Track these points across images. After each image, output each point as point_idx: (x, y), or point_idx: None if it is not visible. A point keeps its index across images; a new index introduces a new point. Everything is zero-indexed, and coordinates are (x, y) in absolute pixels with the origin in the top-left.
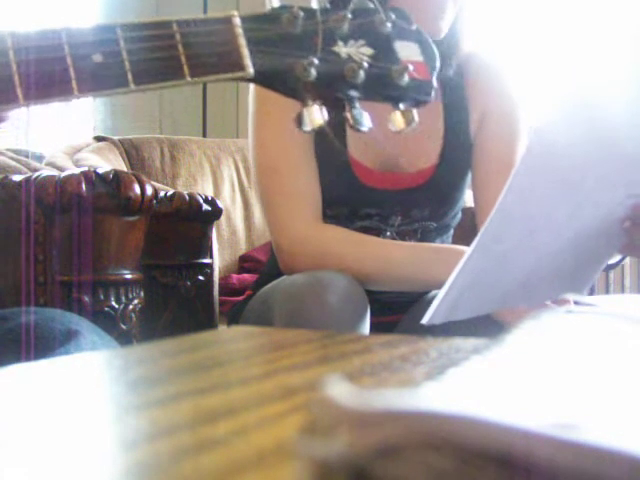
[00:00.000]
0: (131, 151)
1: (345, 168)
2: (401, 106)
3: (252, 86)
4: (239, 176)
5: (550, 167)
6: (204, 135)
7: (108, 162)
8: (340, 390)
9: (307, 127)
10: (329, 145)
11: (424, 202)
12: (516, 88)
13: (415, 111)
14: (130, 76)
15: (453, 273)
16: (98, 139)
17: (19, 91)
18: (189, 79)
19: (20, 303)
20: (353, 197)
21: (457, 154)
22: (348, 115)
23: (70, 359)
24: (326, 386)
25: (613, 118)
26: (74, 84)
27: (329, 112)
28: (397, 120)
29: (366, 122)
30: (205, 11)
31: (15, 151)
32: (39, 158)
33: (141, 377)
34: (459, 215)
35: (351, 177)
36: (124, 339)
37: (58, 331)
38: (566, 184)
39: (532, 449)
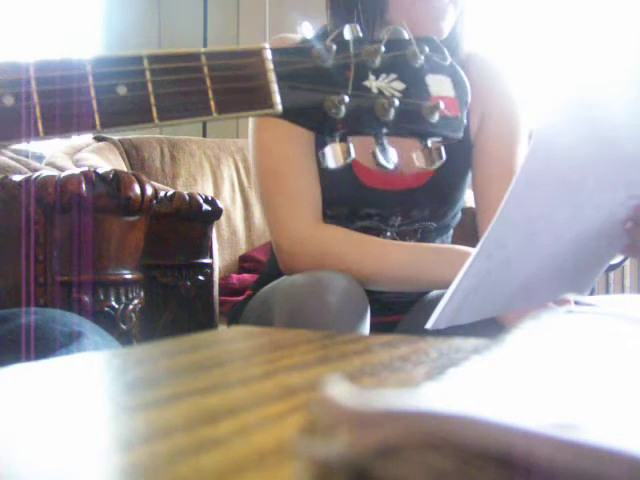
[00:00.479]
0: (131, 151)
1: (346, 168)
2: (429, 143)
3: None
4: (239, 176)
5: (551, 169)
6: (204, 135)
7: (108, 162)
8: (340, 390)
9: (331, 164)
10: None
11: (424, 202)
12: (516, 89)
13: (443, 148)
14: (155, 111)
15: (457, 277)
16: (98, 139)
17: (40, 124)
18: (215, 115)
19: (20, 303)
20: (353, 197)
21: (457, 155)
22: (373, 151)
23: (70, 359)
24: (326, 386)
25: (613, 118)
26: (97, 118)
27: (356, 149)
28: (424, 157)
29: (392, 158)
30: (205, 10)
31: (15, 151)
32: (39, 158)
33: (141, 377)
34: (459, 215)
35: (352, 177)
36: (124, 339)
37: (60, 332)
38: (567, 186)
39: (532, 449)
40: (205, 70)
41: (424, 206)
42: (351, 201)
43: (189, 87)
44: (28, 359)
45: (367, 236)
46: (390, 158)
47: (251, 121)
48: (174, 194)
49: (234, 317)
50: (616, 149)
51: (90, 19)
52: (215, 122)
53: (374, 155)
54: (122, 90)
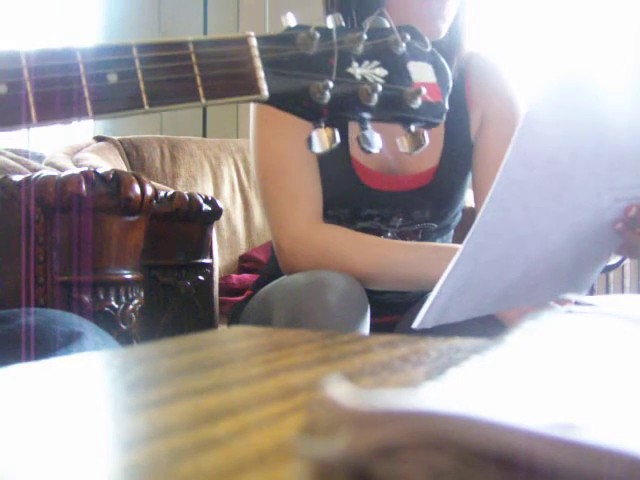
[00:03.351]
0: (131, 151)
1: (347, 169)
2: (412, 128)
3: None
4: (239, 176)
5: (531, 174)
6: (204, 135)
7: (108, 162)
8: (340, 390)
9: (318, 149)
10: None
11: (425, 203)
12: (516, 89)
13: (426, 133)
14: (145, 97)
15: (441, 279)
16: (98, 139)
17: (33, 111)
18: (204, 101)
19: (20, 303)
20: (355, 198)
21: (458, 155)
22: (359, 136)
23: (70, 359)
24: (326, 386)
25: (605, 108)
26: (88, 105)
27: (341, 133)
28: (407, 142)
29: (377, 143)
30: (205, 10)
31: (15, 151)
32: (39, 158)
33: (141, 377)
34: (459, 215)
35: (353, 178)
36: (124, 339)
37: (60, 332)
38: (548, 192)
39: (532, 449)
40: (193, 58)
41: (425, 207)
42: (352, 202)
43: (178, 74)
44: (28, 359)
45: (367, 235)
46: (375, 143)
47: (251, 120)
48: (174, 194)
49: (234, 317)
50: (606, 142)
51: (90, 19)
52: (215, 122)
53: (359, 140)
54: (113, 78)
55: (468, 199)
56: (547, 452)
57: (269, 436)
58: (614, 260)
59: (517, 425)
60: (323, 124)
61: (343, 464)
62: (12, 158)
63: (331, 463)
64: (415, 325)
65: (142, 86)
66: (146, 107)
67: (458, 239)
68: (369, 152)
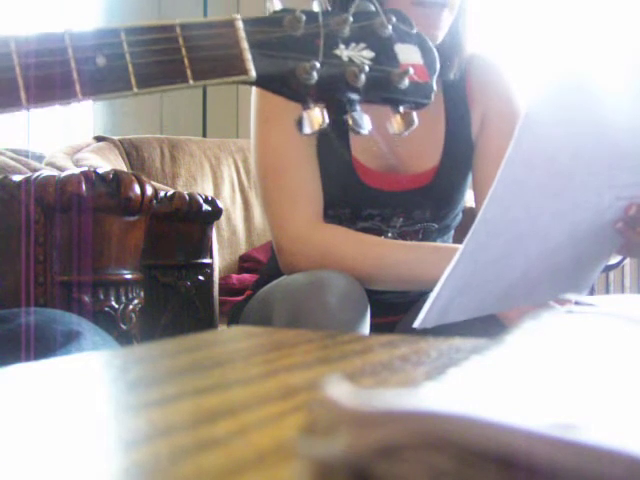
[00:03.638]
0: (131, 151)
1: (348, 169)
2: (401, 109)
3: (254, 87)
4: (239, 176)
5: (531, 173)
6: (204, 135)
7: (108, 162)
8: (340, 390)
9: (307, 130)
10: (332, 146)
11: (426, 203)
12: (517, 88)
13: (415, 114)
14: (133, 79)
15: (441, 279)
16: (98, 139)
17: (22, 94)
18: (192, 82)
19: (20, 303)
20: (355, 198)
21: (459, 156)
22: (349, 118)
23: (70, 359)
24: (326, 386)
25: (605, 107)
26: (77, 87)
27: (330, 115)
28: (397, 123)
29: (366, 125)
30: (205, 9)
31: (15, 151)
32: (39, 158)
33: (141, 377)
34: (460, 215)
35: (354, 178)
36: (124, 339)
37: (59, 332)
38: (549, 190)
39: (532, 449)
40: (180, 40)
41: (426, 207)
42: (353, 202)
43: (165, 56)
44: (27, 359)
45: (367, 235)
46: (364, 124)
47: (252, 120)
48: (174, 194)
49: (234, 317)
50: (606, 141)
51: (90, 15)
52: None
53: (347, 121)
54: (101, 61)
55: (468, 199)
56: (547, 452)
57: (269, 436)
58: (614, 260)
59: (517, 425)
60: (312, 105)
61: (343, 464)
62: (12, 158)
63: (331, 463)
64: (416, 325)
65: (130, 68)
66: (135, 89)
67: (458, 239)
68: (359, 133)
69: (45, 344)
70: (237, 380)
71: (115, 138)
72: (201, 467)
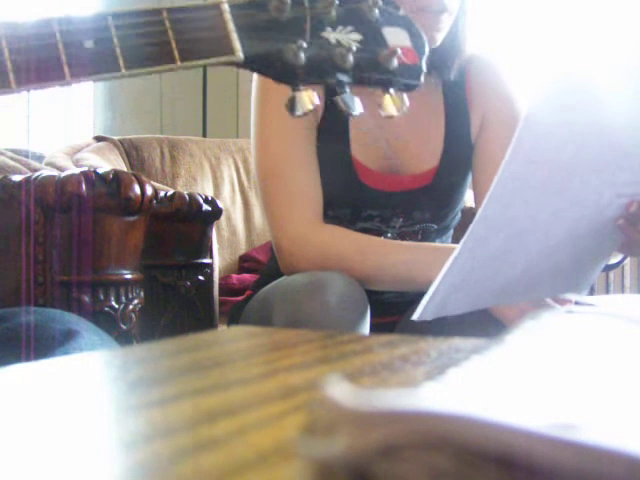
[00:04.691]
0: (131, 151)
1: (347, 169)
2: (391, 91)
3: (254, 86)
4: (239, 176)
5: (532, 171)
6: (204, 135)
7: (108, 162)
8: (340, 390)
9: (298, 111)
10: (332, 146)
11: (426, 204)
12: (517, 91)
13: (405, 96)
14: (121, 61)
15: (440, 273)
16: (98, 139)
17: (11, 77)
18: (179, 63)
19: (20, 303)
20: (355, 198)
21: (458, 156)
22: (339, 100)
23: (70, 359)
24: (326, 386)
25: (605, 107)
26: (66, 69)
27: (319, 97)
28: (387, 105)
29: (357, 107)
30: None
31: (15, 151)
32: (39, 158)
33: (141, 377)
34: (459, 216)
35: (353, 178)
36: (124, 339)
37: (58, 331)
38: (549, 188)
39: (532, 449)
40: (167, 23)
41: (426, 208)
42: (352, 202)
43: (153, 39)
44: (27, 358)
45: (367, 236)
46: (355, 106)
47: (252, 120)
48: (174, 194)
49: (234, 317)
50: (607, 141)
51: (90, 10)
52: (215, 122)
53: (337, 102)
54: (89, 44)
55: (468, 199)
56: (547, 452)
57: (269, 436)
58: (614, 259)
59: (517, 425)
60: (302, 87)
61: (343, 464)
62: (12, 158)
63: (331, 463)
64: (415, 317)
65: (118, 51)
66: (123, 71)
67: (457, 239)
68: (349, 115)
69: (43, 343)
70: (237, 380)
71: (115, 138)
72: (201, 467)
